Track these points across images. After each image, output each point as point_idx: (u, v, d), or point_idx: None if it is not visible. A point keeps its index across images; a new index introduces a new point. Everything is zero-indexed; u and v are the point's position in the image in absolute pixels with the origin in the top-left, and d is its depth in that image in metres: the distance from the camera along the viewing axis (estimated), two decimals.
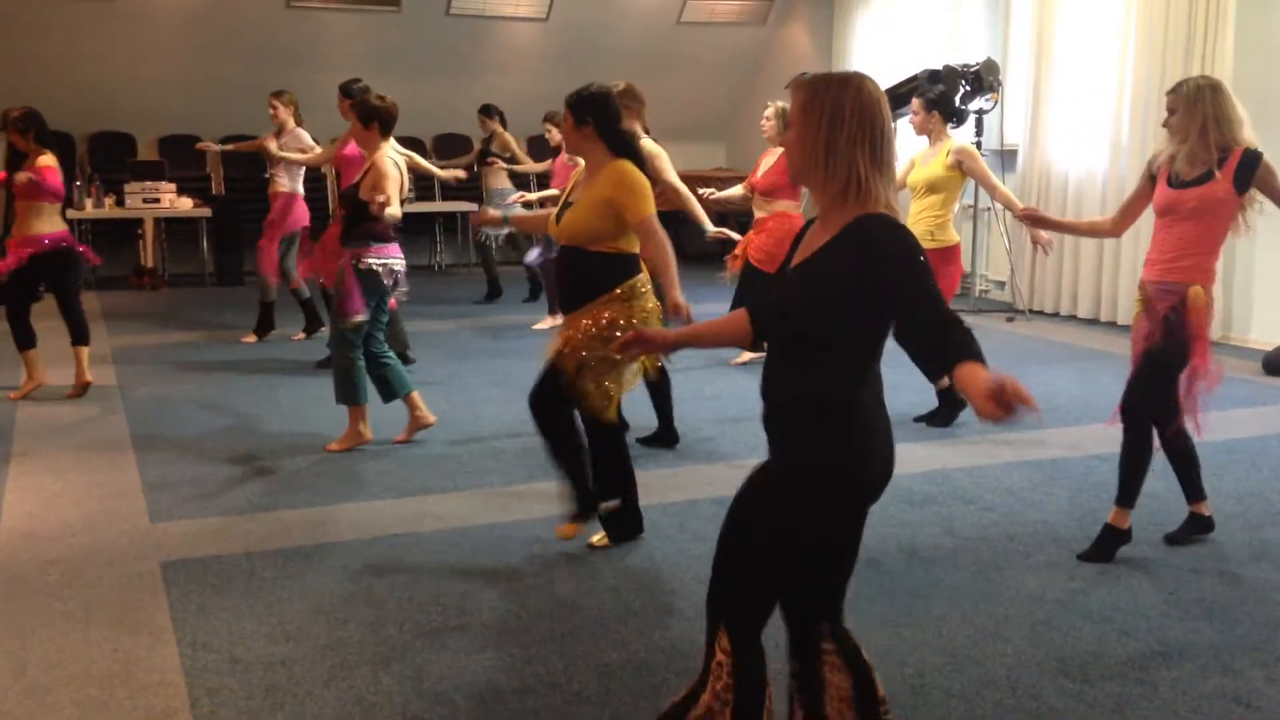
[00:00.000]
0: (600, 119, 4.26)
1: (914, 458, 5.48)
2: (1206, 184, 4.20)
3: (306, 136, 8.33)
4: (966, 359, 2.20)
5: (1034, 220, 4.91)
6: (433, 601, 3.96)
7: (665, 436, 5.85)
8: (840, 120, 2.34)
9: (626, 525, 4.50)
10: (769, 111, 7.34)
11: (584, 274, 4.27)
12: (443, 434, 6.02)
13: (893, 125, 2.43)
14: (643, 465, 5.48)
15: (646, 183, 4.25)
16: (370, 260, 5.56)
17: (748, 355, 7.67)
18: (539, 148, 11.02)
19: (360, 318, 5.58)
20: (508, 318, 9.56)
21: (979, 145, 10.09)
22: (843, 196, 2.36)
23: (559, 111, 8.93)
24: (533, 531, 4.62)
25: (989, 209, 10.23)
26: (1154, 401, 4.31)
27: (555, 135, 9.11)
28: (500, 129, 10.09)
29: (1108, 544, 4.36)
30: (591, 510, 4.45)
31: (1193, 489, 4.51)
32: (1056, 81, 9.82)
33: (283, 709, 3.23)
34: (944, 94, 6.82)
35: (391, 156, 5.67)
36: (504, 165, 9.93)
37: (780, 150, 7.34)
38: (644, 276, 4.34)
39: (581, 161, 4.47)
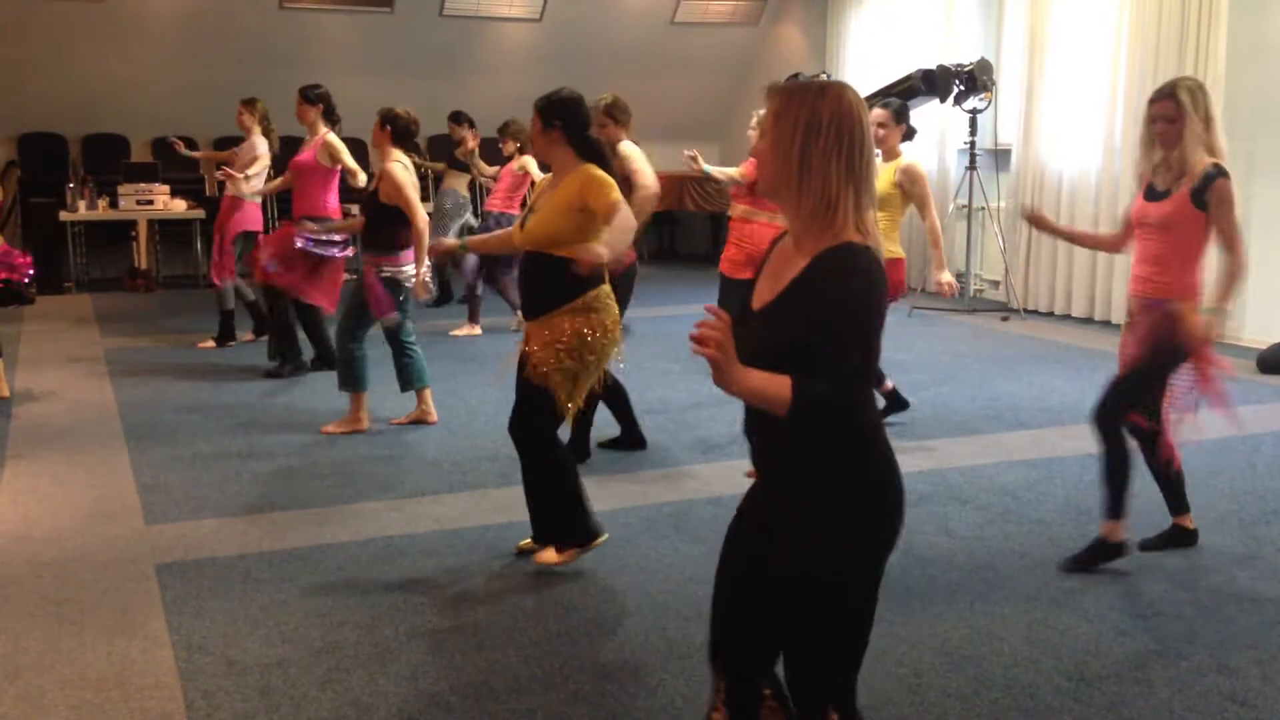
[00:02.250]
0: (568, 123, 4.16)
1: (908, 457, 5.48)
2: (1172, 198, 4.07)
3: (260, 146, 8.15)
4: (795, 385, 2.06)
5: (1038, 221, 4.57)
6: (428, 602, 3.96)
7: (630, 439, 5.74)
8: (816, 132, 2.14)
9: (578, 534, 4.30)
10: (754, 120, 7.32)
11: (546, 280, 4.14)
12: (437, 435, 6.05)
13: (873, 140, 2.23)
14: (639, 467, 5.50)
15: (611, 180, 4.16)
16: (390, 270, 5.89)
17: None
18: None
19: (396, 318, 5.97)
20: (503, 320, 9.54)
21: (973, 145, 10.14)
22: (815, 216, 2.16)
23: (515, 122, 8.86)
24: (528, 532, 4.60)
25: (983, 208, 10.24)
26: (1121, 412, 4.16)
27: (508, 146, 9.08)
28: (469, 136, 10.06)
29: (1096, 555, 4.21)
30: (589, 536, 4.31)
31: (1176, 502, 4.40)
32: (1050, 81, 9.84)
33: (278, 711, 3.22)
34: (902, 105, 6.21)
35: (401, 160, 5.89)
36: (459, 172, 9.99)
37: None
38: (606, 289, 4.21)
39: (531, 169, 4.38)
